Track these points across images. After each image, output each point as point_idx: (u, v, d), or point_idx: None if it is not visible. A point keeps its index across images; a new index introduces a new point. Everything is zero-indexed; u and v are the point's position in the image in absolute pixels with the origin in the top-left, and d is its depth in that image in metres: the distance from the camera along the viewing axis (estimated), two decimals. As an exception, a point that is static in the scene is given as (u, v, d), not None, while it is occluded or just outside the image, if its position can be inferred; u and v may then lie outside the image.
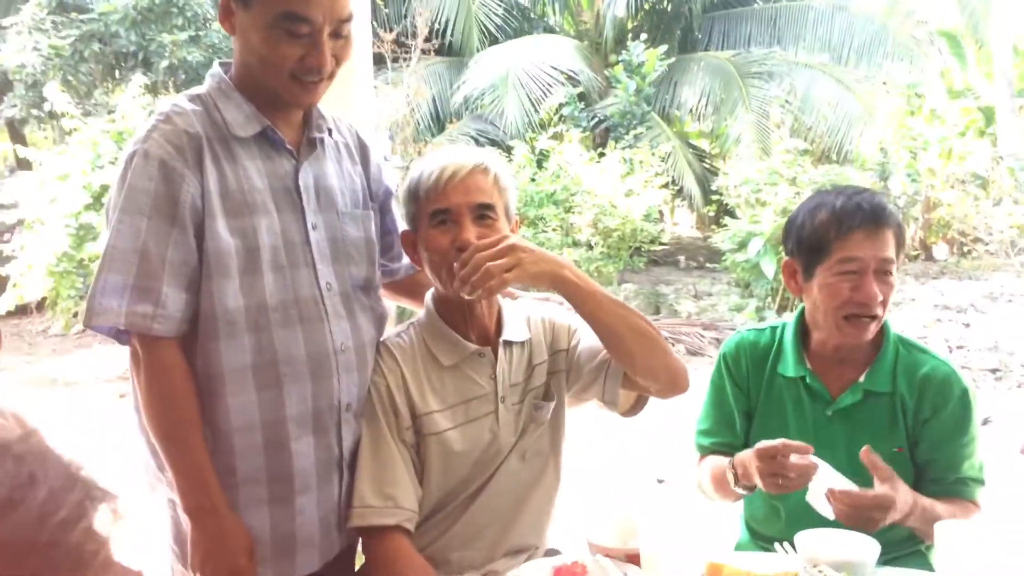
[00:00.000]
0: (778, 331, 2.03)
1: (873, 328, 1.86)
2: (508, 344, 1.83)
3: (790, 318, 2.04)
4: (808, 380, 1.94)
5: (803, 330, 2.00)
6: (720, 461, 1.95)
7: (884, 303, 1.84)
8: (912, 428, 1.90)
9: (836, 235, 1.83)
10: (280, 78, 1.63)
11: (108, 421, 6.22)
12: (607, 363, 1.80)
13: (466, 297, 1.67)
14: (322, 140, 1.79)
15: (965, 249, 11.80)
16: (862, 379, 1.90)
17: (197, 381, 1.64)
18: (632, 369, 1.74)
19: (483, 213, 1.72)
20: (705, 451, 2.10)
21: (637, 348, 1.70)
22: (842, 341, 1.89)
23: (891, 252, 1.83)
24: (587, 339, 1.85)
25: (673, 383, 1.76)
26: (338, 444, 1.75)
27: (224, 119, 1.66)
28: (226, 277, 1.62)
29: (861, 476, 1.88)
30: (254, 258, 1.64)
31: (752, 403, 2.03)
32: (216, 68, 1.75)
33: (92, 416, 6.51)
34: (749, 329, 2.10)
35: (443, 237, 1.71)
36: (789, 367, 1.97)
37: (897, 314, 8.66)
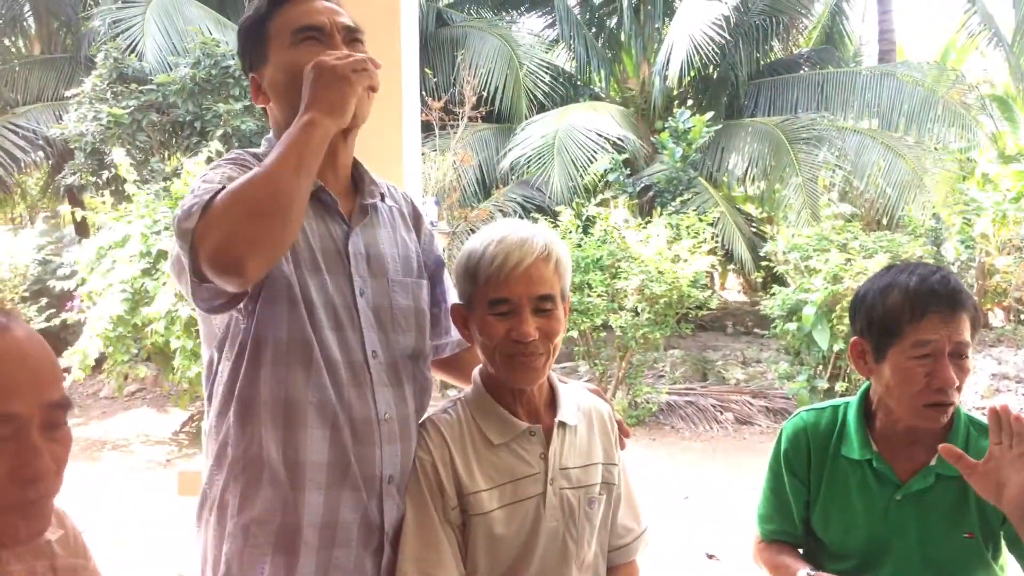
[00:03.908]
0: (840, 411, 1.97)
1: (950, 413, 1.80)
2: (563, 426, 1.78)
3: (851, 395, 1.97)
4: (875, 463, 1.87)
5: (867, 410, 1.93)
6: (790, 562, 1.91)
7: (960, 388, 1.77)
8: (984, 511, 1.81)
9: (910, 318, 1.77)
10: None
11: (156, 481, 6.25)
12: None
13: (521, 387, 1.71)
14: (375, 206, 1.78)
15: (1022, 316, 11.49)
16: (933, 462, 1.82)
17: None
18: None
19: (543, 306, 1.70)
20: (767, 536, 2.05)
21: None
22: (915, 425, 1.82)
23: (967, 335, 1.77)
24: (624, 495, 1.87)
25: None
26: (379, 513, 1.69)
27: None
28: (280, 304, 1.60)
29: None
30: (311, 310, 1.63)
31: (814, 488, 1.96)
32: (272, 134, 1.76)
33: (140, 479, 6.55)
34: (809, 410, 2.03)
35: (501, 326, 1.69)
36: (854, 449, 1.89)
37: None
